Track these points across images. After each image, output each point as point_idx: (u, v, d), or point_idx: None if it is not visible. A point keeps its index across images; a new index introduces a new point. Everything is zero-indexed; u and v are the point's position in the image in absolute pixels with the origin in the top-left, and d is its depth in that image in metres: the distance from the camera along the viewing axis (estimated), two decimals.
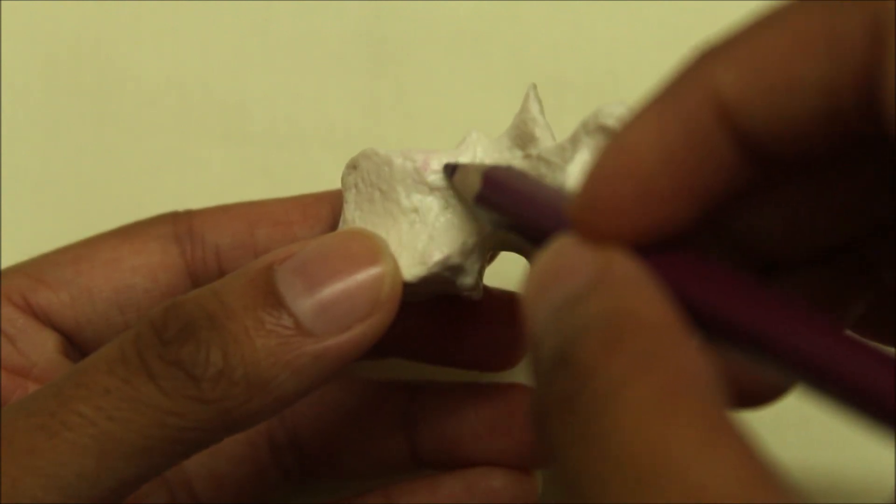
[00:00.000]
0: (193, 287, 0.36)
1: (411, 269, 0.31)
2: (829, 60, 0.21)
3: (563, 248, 0.23)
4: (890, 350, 0.20)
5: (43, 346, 0.35)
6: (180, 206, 0.37)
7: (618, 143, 0.23)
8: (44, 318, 0.35)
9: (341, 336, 0.29)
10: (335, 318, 0.29)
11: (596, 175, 0.23)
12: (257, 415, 0.29)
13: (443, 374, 0.38)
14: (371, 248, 0.30)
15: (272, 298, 0.29)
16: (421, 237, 0.31)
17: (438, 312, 0.36)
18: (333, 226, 0.35)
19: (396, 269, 0.30)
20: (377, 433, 0.37)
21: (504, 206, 0.29)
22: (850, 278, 0.26)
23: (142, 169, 0.43)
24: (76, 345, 0.36)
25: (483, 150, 0.32)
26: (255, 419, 0.29)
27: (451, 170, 0.31)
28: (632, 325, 0.21)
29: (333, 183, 0.35)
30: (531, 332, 0.23)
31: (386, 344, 0.31)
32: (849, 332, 0.21)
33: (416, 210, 0.32)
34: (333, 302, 0.29)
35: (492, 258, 0.33)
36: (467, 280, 0.32)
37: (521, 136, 0.32)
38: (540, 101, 0.32)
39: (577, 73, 0.43)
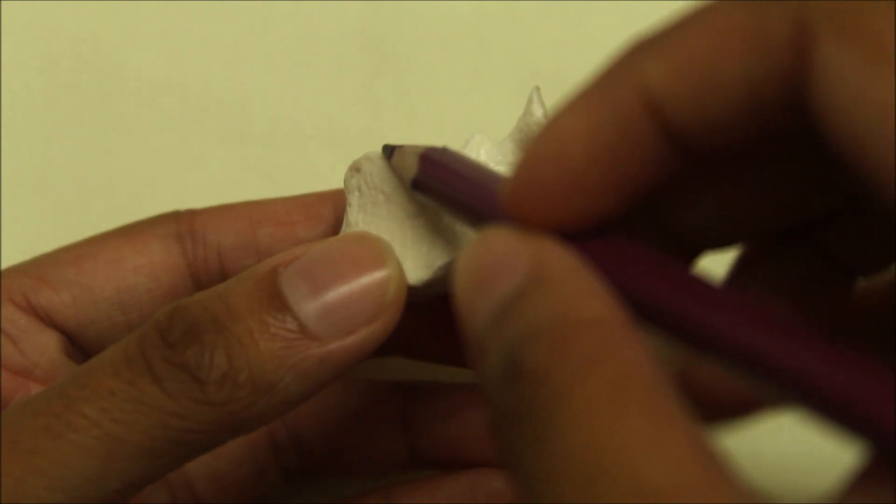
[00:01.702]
0: (195, 286, 0.36)
1: (416, 273, 0.31)
2: (753, 56, 0.21)
3: (494, 240, 0.23)
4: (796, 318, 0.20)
5: (45, 347, 0.35)
6: (181, 205, 0.37)
7: (547, 132, 0.23)
8: (46, 318, 0.35)
9: (345, 340, 0.29)
10: (340, 322, 0.29)
11: (526, 163, 0.23)
12: (262, 417, 0.29)
13: (444, 373, 0.38)
14: (376, 252, 0.30)
15: (277, 301, 0.29)
16: (425, 241, 0.31)
17: (440, 311, 0.36)
18: (335, 225, 0.35)
19: (401, 272, 0.30)
20: (378, 433, 0.37)
21: (440, 191, 0.29)
22: (809, 270, 0.27)
23: (142, 169, 0.43)
24: (78, 345, 0.36)
25: (486, 152, 0.32)
26: (260, 422, 0.29)
27: (389, 151, 0.31)
28: (576, 325, 0.21)
29: (334, 182, 0.35)
30: (471, 335, 0.23)
31: (387, 343, 0.31)
32: (774, 311, 0.21)
33: (420, 213, 0.32)
34: (338, 305, 0.29)
35: None
36: None
37: (526, 139, 0.32)
38: (544, 104, 0.32)
39: (578, 73, 0.42)
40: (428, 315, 0.36)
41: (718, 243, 0.27)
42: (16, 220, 0.43)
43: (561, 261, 0.22)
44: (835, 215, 0.26)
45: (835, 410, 0.20)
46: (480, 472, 0.36)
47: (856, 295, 0.27)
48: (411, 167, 0.30)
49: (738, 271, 0.27)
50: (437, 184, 0.29)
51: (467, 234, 0.31)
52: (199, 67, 0.43)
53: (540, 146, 0.23)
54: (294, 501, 0.39)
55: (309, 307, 0.29)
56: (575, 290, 0.22)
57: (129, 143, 0.43)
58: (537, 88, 0.32)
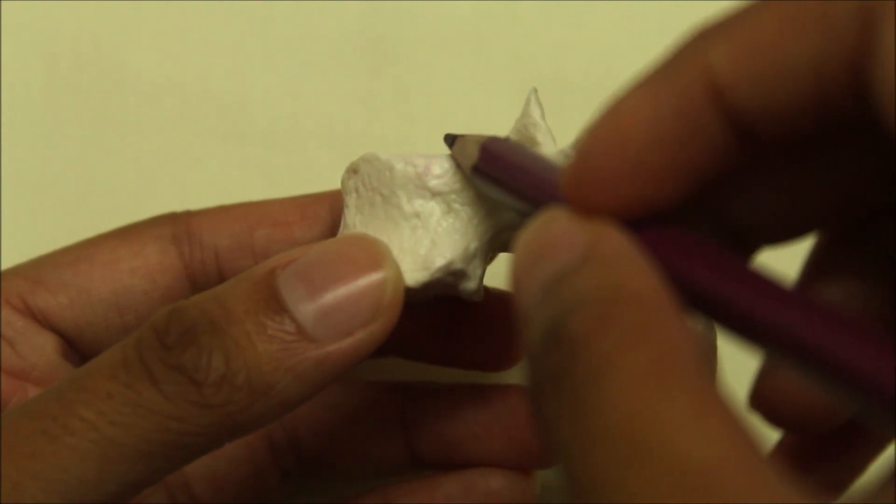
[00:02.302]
0: (192, 288, 0.36)
1: (414, 275, 0.31)
2: (819, 42, 0.21)
3: (552, 222, 0.23)
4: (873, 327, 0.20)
5: (42, 349, 0.35)
6: (180, 206, 0.37)
7: (610, 117, 0.23)
8: (43, 321, 0.35)
9: (343, 342, 0.29)
10: (337, 324, 0.29)
11: (587, 148, 0.23)
12: (259, 420, 0.29)
13: (442, 374, 0.38)
14: (373, 254, 0.30)
15: (274, 303, 0.29)
16: (423, 242, 0.31)
17: (438, 312, 0.36)
18: (332, 226, 0.35)
19: (399, 274, 0.30)
20: (376, 434, 0.37)
21: (499, 177, 0.29)
22: (879, 270, 0.27)
23: (142, 169, 0.43)
24: (75, 347, 0.36)
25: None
26: (258, 424, 0.29)
27: (451, 140, 0.31)
28: (623, 300, 0.21)
29: (333, 183, 0.35)
30: (521, 308, 0.23)
31: (385, 343, 0.31)
32: (837, 311, 0.21)
33: (417, 215, 0.32)
34: (335, 307, 0.29)
35: (491, 258, 0.33)
36: (470, 285, 0.32)
37: (523, 141, 0.32)
38: (541, 106, 0.32)
39: (578, 74, 0.43)
40: (425, 316, 0.36)
41: (779, 237, 0.26)
42: (16, 220, 0.43)
43: (615, 241, 0.22)
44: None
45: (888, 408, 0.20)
46: (478, 471, 0.36)
47: None
48: (472, 155, 0.30)
49: (811, 269, 0.27)
50: (496, 171, 0.29)
51: (466, 236, 0.31)
52: (199, 67, 0.43)
53: (602, 130, 0.23)
54: (293, 502, 0.39)
55: (306, 309, 0.29)
56: (625, 267, 0.22)
57: (129, 143, 0.43)
58: (535, 90, 0.32)
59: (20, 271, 0.35)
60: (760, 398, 0.28)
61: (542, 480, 0.38)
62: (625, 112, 0.23)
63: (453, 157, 0.31)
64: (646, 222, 0.23)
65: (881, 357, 0.20)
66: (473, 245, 0.31)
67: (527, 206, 0.27)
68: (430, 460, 0.37)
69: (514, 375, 0.38)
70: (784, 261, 0.27)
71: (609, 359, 0.20)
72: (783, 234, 0.26)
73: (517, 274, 0.23)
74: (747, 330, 0.22)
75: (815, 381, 0.21)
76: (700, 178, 0.23)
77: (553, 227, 0.23)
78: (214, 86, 0.43)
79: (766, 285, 0.22)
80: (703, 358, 0.20)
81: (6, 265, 0.36)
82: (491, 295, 0.34)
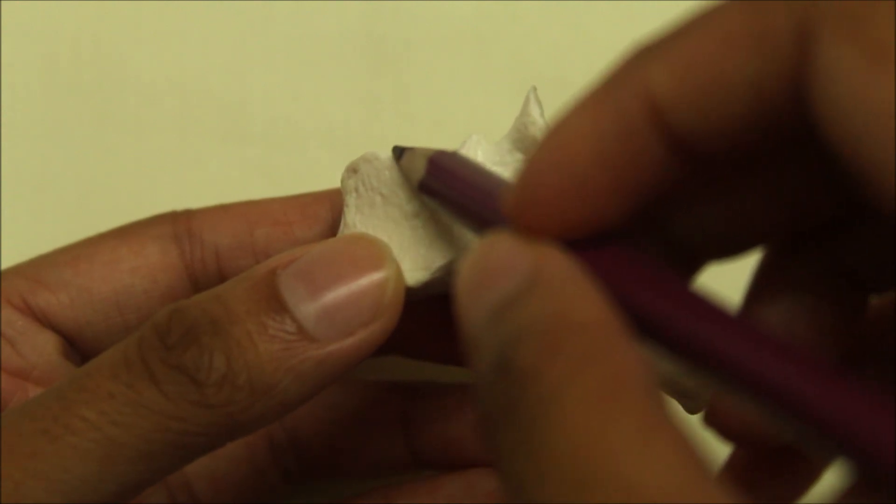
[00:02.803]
0: (192, 287, 0.36)
1: (414, 274, 0.31)
2: (757, 59, 0.21)
3: (496, 245, 0.23)
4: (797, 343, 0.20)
5: (43, 348, 0.35)
6: (180, 206, 0.37)
7: (552, 138, 0.23)
8: (43, 320, 0.35)
9: (344, 341, 0.29)
10: (338, 324, 0.29)
11: (530, 169, 0.23)
12: (261, 419, 0.29)
13: (442, 373, 0.38)
14: (374, 253, 0.30)
15: (275, 303, 0.29)
16: (423, 242, 0.31)
17: (437, 310, 0.36)
18: (333, 225, 0.35)
19: (399, 274, 0.30)
20: (376, 434, 0.37)
21: (446, 195, 0.29)
22: (823, 285, 0.27)
23: (142, 169, 0.43)
24: (76, 346, 0.36)
25: (484, 153, 0.32)
26: (259, 424, 0.29)
27: (399, 152, 0.31)
28: (568, 327, 0.21)
29: (333, 183, 0.35)
30: (467, 335, 0.23)
31: (386, 341, 0.31)
32: (774, 336, 0.21)
33: (417, 215, 0.32)
34: (336, 307, 0.29)
35: None
36: None
37: (523, 140, 0.32)
38: (541, 104, 0.32)
39: (578, 73, 0.42)
40: (426, 314, 0.36)
41: (724, 252, 0.26)
42: (16, 220, 0.43)
43: (559, 265, 0.22)
44: (844, 224, 0.26)
45: (827, 435, 0.20)
46: (479, 472, 0.36)
47: (868, 312, 0.27)
48: (419, 169, 0.30)
49: (756, 285, 0.27)
50: (443, 187, 0.29)
51: (466, 236, 0.31)
52: (199, 67, 0.43)
53: (543, 152, 0.23)
54: (293, 502, 0.39)
55: (307, 309, 0.29)
56: (570, 293, 0.22)
57: (129, 143, 0.43)
58: (534, 89, 0.32)
59: (21, 270, 0.35)
60: (713, 414, 0.28)
61: None
62: (566, 133, 0.23)
63: (400, 171, 0.31)
64: (590, 242, 0.23)
65: (815, 382, 0.20)
66: (473, 244, 0.31)
67: (475, 224, 0.27)
68: (430, 460, 0.37)
69: None
70: (733, 276, 0.27)
71: (557, 388, 0.20)
72: (729, 249, 0.26)
73: (461, 299, 0.23)
74: (687, 352, 0.21)
75: (752, 407, 0.21)
76: (643, 196, 0.23)
77: (496, 250, 0.23)
78: (214, 86, 0.43)
79: (704, 308, 0.22)
80: (652, 381, 0.20)
81: (6, 265, 0.36)
82: None
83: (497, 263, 0.23)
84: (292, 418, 0.37)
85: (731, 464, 0.30)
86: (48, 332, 0.35)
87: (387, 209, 0.32)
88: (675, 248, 0.26)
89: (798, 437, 0.20)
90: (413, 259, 0.31)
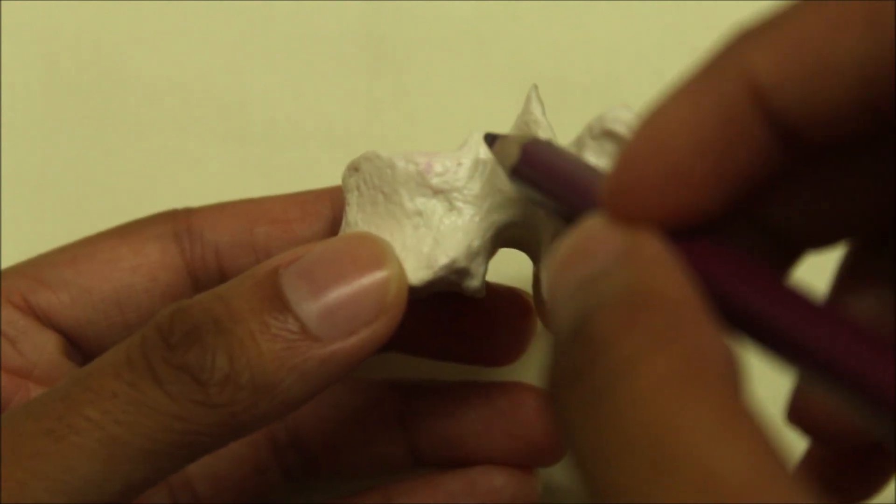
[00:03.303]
0: (193, 286, 0.36)
1: (417, 273, 0.31)
2: (866, 44, 0.21)
3: (591, 228, 0.23)
4: None
5: (43, 347, 0.35)
6: (181, 205, 0.37)
7: (650, 124, 0.22)
8: (44, 319, 0.35)
9: (347, 340, 0.29)
10: (341, 323, 0.29)
11: (628, 155, 0.23)
12: (263, 419, 0.29)
13: (443, 371, 0.38)
14: (377, 253, 0.30)
15: (278, 302, 0.29)
16: (426, 241, 0.31)
17: (439, 307, 0.36)
18: (333, 223, 0.35)
19: (402, 273, 0.30)
20: (377, 432, 0.37)
21: (539, 181, 0.28)
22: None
23: (142, 169, 0.43)
24: (77, 345, 0.36)
25: (485, 151, 0.32)
26: (261, 423, 0.29)
27: (491, 139, 0.31)
28: (651, 301, 0.20)
29: (333, 182, 0.35)
30: (553, 309, 0.22)
31: (388, 339, 0.31)
32: (863, 327, 0.20)
33: (420, 213, 0.32)
34: (339, 306, 0.29)
35: (493, 254, 0.33)
36: (473, 283, 0.32)
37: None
38: (542, 103, 0.32)
39: (578, 73, 0.43)
40: (427, 311, 0.36)
41: (822, 242, 0.26)
42: (16, 220, 0.43)
43: (651, 247, 0.22)
44: None
45: None
46: (480, 469, 0.36)
47: None
48: (512, 155, 0.29)
49: (843, 278, 0.27)
50: (536, 174, 0.29)
51: (469, 234, 0.31)
52: (199, 67, 0.43)
53: (643, 138, 0.22)
54: (294, 501, 0.39)
55: (310, 308, 0.29)
56: (657, 271, 0.21)
57: (129, 143, 0.43)
58: (535, 87, 0.32)
59: (21, 270, 0.35)
60: (798, 412, 0.28)
61: (544, 479, 0.38)
62: (665, 119, 0.22)
63: (494, 156, 0.31)
64: (686, 233, 0.22)
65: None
66: (476, 243, 0.31)
67: (567, 210, 0.26)
68: (431, 459, 0.37)
69: (516, 372, 0.38)
70: (823, 270, 0.27)
71: (632, 360, 0.20)
72: (827, 239, 0.26)
73: (553, 276, 0.23)
74: (779, 348, 0.21)
75: (846, 405, 0.20)
76: (742, 184, 0.23)
77: (591, 232, 0.23)
78: (214, 86, 0.43)
79: (796, 300, 0.21)
80: (734, 369, 0.20)
81: (6, 265, 0.36)
82: (493, 290, 0.34)
83: (591, 242, 0.22)
84: (293, 417, 0.37)
85: (807, 461, 0.30)
86: (49, 332, 0.35)
87: (389, 208, 0.32)
88: (772, 237, 0.26)
89: (886, 431, 0.20)
90: (415, 258, 0.31)
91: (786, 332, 0.21)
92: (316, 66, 0.43)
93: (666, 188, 0.22)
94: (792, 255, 0.26)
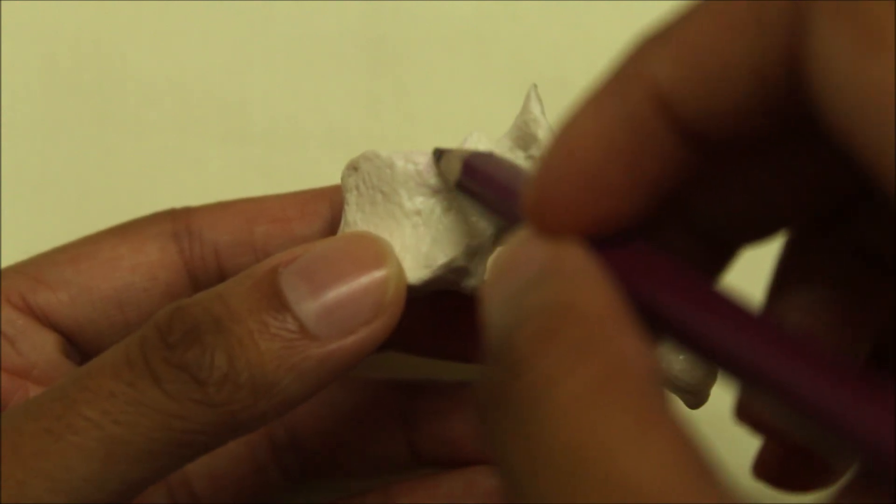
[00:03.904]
0: (193, 285, 0.36)
1: (415, 273, 0.31)
2: (755, 45, 0.21)
3: (520, 240, 0.23)
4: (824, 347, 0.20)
5: (43, 347, 0.35)
6: (180, 205, 0.37)
7: (561, 137, 0.23)
8: (43, 319, 0.35)
9: (346, 340, 0.29)
10: (339, 322, 0.29)
11: (543, 168, 0.23)
12: (262, 418, 0.29)
13: (443, 371, 0.38)
14: (375, 252, 0.30)
15: (276, 302, 0.29)
16: (424, 240, 0.31)
17: (439, 306, 0.36)
18: (332, 222, 0.35)
19: (401, 272, 0.30)
20: (377, 432, 0.37)
21: (481, 193, 0.29)
22: (848, 271, 0.27)
23: (142, 168, 0.43)
24: (76, 344, 0.36)
25: (484, 150, 0.32)
26: (260, 422, 0.29)
27: (438, 154, 0.32)
28: (569, 316, 0.21)
29: (333, 182, 0.35)
30: (483, 324, 0.23)
31: (387, 337, 0.31)
32: (796, 336, 0.21)
33: (418, 213, 0.32)
34: (338, 305, 0.29)
35: (490, 253, 0.33)
36: (472, 282, 0.32)
37: (523, 138, 0.32)
38: (541, 102, 0.32)
39: (578, 73, 0.43)
40: (427, 310, 0.36)
41: (750, 237, 0.26)
42: (16, 220, 0.43)
43: (574, 259, 0.22)
44: (859, 209, 0.26)
45: (838, 436, 0.19)
46: (479, 469, 0.36)
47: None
48: (455, 170, 0.30)
49: (779, 280, 0.27)
50: (477, 187, 0.29)
51: (467, 233, 0.31)
52: (199, 67, 0.43)
53: (553, 151, 0.23)
54: (294, 501, 0.39)
55: (309, 307, 0.29)
56: (578, 284, 0.22)
57: (129, 143, 0.43)
58: (535, 86, 0.32)
59: (20, 269, 0.35)
60: (745, 410, 0.28)
61: None
62: (575, 130, 0.23)
63: (439, 172, 0.31)
64: (611, 239, 0.23)
65: (829, 383, 0.20)
66: (475, 242, 0.31)
67: (505, 222, 0.27)
68: (431, 458, 0.37)
69: None
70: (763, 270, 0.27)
71: (550, 376, 0.20)
72: (754, 233, 0.26)
73: (485, 290, 0.23)
74: (707, 353, 0.21)
75: (774, 407, 0.21)
76: (660, 188, 0.23)
77: (520, 245, 0.23)
78: (214, 86, 0.43)
79: (721, 304, 0.21)
80: (654, 375, 0.20)
81: (6, 264, 0.36)
82: None
83: (518, 257, 0.23)
84: (292, 416, 0.37)
85: (762, 455, 0.30)
86: (48, 331, 0.35)
87: (388, 207, 0.32)
88: (703, 236, 0.26)
89: (812, 437, 0.20)
90: (414, 257, 0.31)
91: (707, 337, 0.21)
92: (316, 66, 0.43)
93: (582, 198, 0.23)
94: (726, 252, 0.27)
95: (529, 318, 0.21)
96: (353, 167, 0.33)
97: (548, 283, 0.22)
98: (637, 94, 0.22)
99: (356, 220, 0.32)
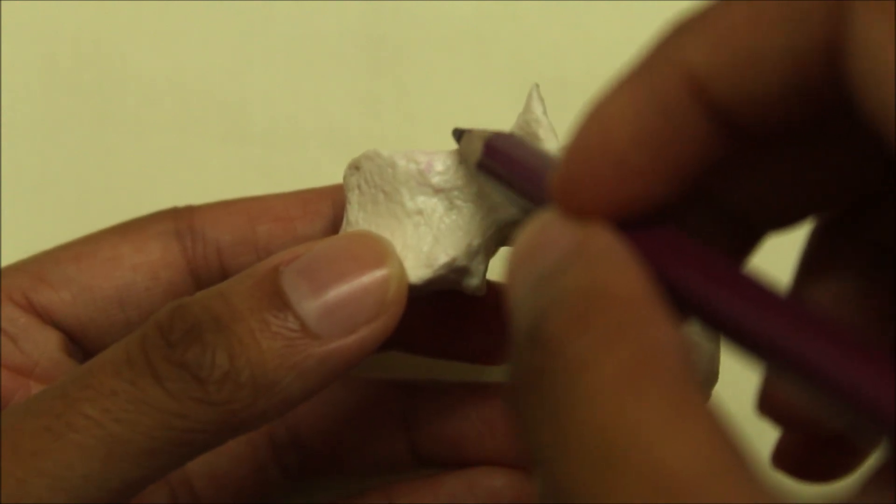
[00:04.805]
0: (194, 284, 0.36)
1: (417, 272, 0.31)
2: (790, 31, 0.21)
3: (544, 223, 0.23)
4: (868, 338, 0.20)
5: (45, 345, 0.35)
6: (180, 205, 0.37)
7: (593, 119, 0.23)
8: (45, 317, 0.35)
9: (347, 339, 0.29)
10: (341, 321, 0.29)
11: (573, 150, 0.23)
12: (263, 416, 0.29)
13: (444, 371, 0.38)
14: (377, 251, 0.30)
15: (278, 300, 0.29)
16: (426, 239, 0.31)
17: (440, 305, 0.36)
18: (334, 221, 0.35)
19: (402, 271, 0.30)
20: (378, 432, 0.37)
21: (502, 174, 0.29)
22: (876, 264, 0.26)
23: (142, 168, 0.43)
24: (78, 343, 0.36)
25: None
26: (261, 421, 0.29)
27: (458, 134, 0.31)
28: (602, 300, 0.21)
29: (333, 182, 0.35)
30: (510, 308, 0.23)
31: (388, 337, 0.31)
32: (826, 318, 0.21)
33: (420, 212, 0.32)
34: (339, 304, 0.29)
35: (493, 253, 0.33)
36: (473, 281, 0.32)
37: (525, 137, 0.32)
38: (543, 102, 0.32)
39: (578, 73, 0.43)
40: (428, 309, 0.36)
41: (778, 223, 0.26)
42: (16, 220, 0.43)
43: (602, 242, 0.22)
44: (888, 199, 0.26)
45: (868, 419, 0.19)
46: (481, 470, 0.36)
47: None
48: (477, 150, 0.30)
49: (806, 266, 0.27)
50: (498, 168, 0.29)
51: (469, 233, 0.31)
52: (199, 67, 0.43)
53: (586, 132, 0.23)
54: (294, 501, 0.39)
55: (310, 306, 0.29)
56: (608, 267, 0.22)
57: (129, 143, 0.43)
58: (536, 86, 0.32)
59: (22, 267, 0.35)
60: (767, 402, 0.28)
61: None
62: (606, 112, 0.23)
63: (459, 152, 0.31)
64: (640, 224, 0.23)
65: (870, 370, 0.20)
66: (476, 241, 0.31)
67: (527, 203, 0.27)
68: (432, 459, 0.37)
69: None
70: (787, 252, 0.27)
71: (584, 360, 0.20)
72: (785, 219, 0.26)
73: (509, 273, 0.23)
74: (735, 335, 0.21)
75: (802, 390, 0.20)
76: (689, 172, 0.23)
77: (544, 228, 0.23)
78: (214, 86, 0.43)
79: (754, 290, 0.21)
80: (688, 361, 0.20)
81: (6, 264, 0.36)
82: (494, 289, 0.34)
83: (543, 239, 0.23)
84: (294, 416, 0.37)
85: (781, 445, 0.30)
86: (50, 329, 0.35)
87: (389, 206, 0.32)
88: (731, 221, 0.26)
89: (841, 419, 0.20)
90: (416, 256, 0.31)
91: (736, 319, 0.21)
92: (316, 66, 0.43)
93: (611, 180, 0.23)
94: (751, 238, 0.27)
95: (561, 302, 0.21)
96: (354, 166, 0.33)
97: (578, 266, 0.22)
98: (671, 78, 0.22)
99: (358, 219, 0.32)
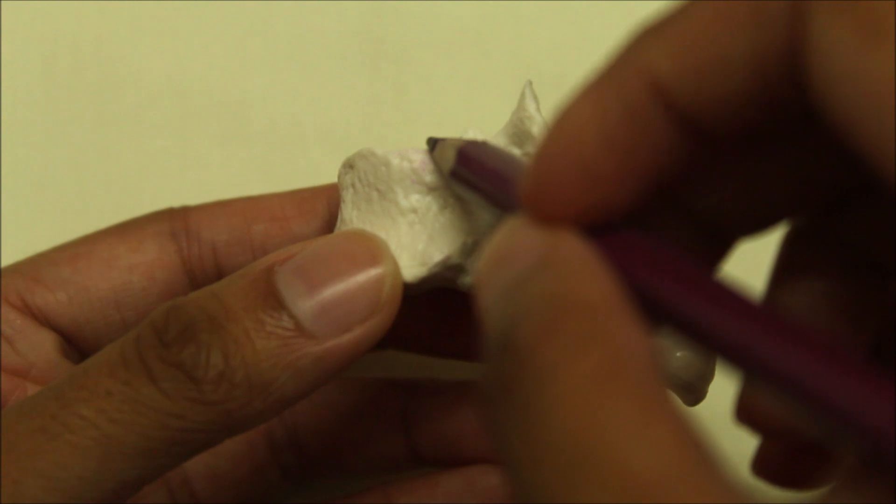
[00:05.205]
0: (190, 284, 0.36)
1: (412, 270, 0.31)
2: (752, 36, 0.21)
3: (515, 229, 0.23)
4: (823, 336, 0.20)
5: (41, 347, 0.35)
6: (180, 205, 0.37)
7: (559, 125, 0.23)
8: (42, 318, 0.35)
9: (342, 337, 0.29)
10: (336, 320, 0.29)
11: (540, 157, 0.23)
12: (258, 416, 0.29)
13: (442, 370, 0.38)
14: (372, 250, 0.30)
15: (272, 300, 0.29)
16: (421, 238, 0.31)
17: (436, 303, 0.36)
18: (330, 221, 0.35)
19: (397, 270, 0.30)
20: (376, 431, 0.37)
21: (474, 183, 0.29)
22: (846, 271, 0.26)
23: (142, 168, 0.43)
24: (74, 344, 0.36)
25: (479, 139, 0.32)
26: (257, 420, 0.29)
27: (433, 143, 0.31)
28: (571, 307, 0.21)
29: (332, 182, 0.35)
30: (481, 315, 0.23)
31: (384, 335, 0.31)
32: (794, 323, 0.21)
33: (414, 210, 0.32)
34: (334, 303, 0.29)
35: None
36: (468, 279, 0.32)
37: (519, 134, 0.32)
38: (536, 99, 0.32)
39: (578, 73, 0.42)
40: (424, 307, 0.36)
41: (748, 229, 0.26)
42: (16, 220, 0.43)
43: (570, 248, 0.22)
44: (859, 203, 0.26)
45: (842, 426, 0.19)
46: (479, 468, 0.36)
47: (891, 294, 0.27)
48: (449, 159, 0.30)
49: (778, 272, 0.27)
50: (471, 176, 0.29)
51: (464, 230, 0.31)
52: (199, 67, 0.43)
53: (551, 139, 0.23)
54: (293, 500, 0.39)
55: (305, 305, 0.29)
56: (576, 274, 0.22)
57: (129, 143, 0.43)
58: (530, 83, 0.32)
59: (18, 269, 0.35)
60: (745, 410, 0.28)
61: None
62: (571, 118, 0.23)
63: (433, 161, 0.31)
64: (608, 229, 0.23)
65: (844, 376, 0.20)
66: (471, 239, 0.31)
67: (499, 211, 0.27)
68: (430, 457, 0.37)
69: None
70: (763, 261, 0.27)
71: (553, 367, 0.20)
72: (752, 225, 0.26)
73: (480, 280, 0.23)
74: (705, 341, 0.21)
75: (777, 398, 0.21)
76: (657, 178, 0.23)
77: (514, 234, 0.23)
78: (214, 86, 0.43)
79: (724, 295, 0.21)
80: (655, 365, 0.20)
81: (5, 264, 0.36)
82: None
83: (513, 246, 0.23)
84: (292, 415, 0.37)
85: (760, 453, 0.30)
86: (46, 331, 0.35)
87: (383, 205, 0.32)
88: (702, 227, 0.26)
89: (816, 426, 0.20)
90: (410, 255, 0.31)
91: (705, 325, 0.21)
92: (316, 66, 0.43)
93: (579, 186, 0.23)
94: (723, 244, 0.27)
95: (530, 310, 0.21)
96: (348, 165, 0.33)
97: (546, 274, 0.22)
98: (635, 84, 0.22)
99: (352, 217, 0.32)
